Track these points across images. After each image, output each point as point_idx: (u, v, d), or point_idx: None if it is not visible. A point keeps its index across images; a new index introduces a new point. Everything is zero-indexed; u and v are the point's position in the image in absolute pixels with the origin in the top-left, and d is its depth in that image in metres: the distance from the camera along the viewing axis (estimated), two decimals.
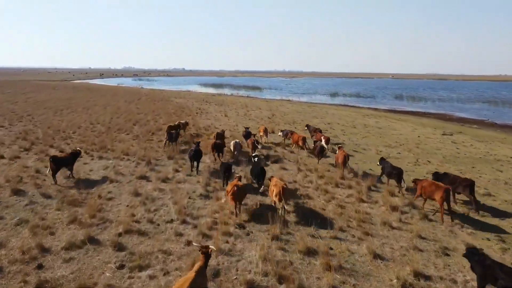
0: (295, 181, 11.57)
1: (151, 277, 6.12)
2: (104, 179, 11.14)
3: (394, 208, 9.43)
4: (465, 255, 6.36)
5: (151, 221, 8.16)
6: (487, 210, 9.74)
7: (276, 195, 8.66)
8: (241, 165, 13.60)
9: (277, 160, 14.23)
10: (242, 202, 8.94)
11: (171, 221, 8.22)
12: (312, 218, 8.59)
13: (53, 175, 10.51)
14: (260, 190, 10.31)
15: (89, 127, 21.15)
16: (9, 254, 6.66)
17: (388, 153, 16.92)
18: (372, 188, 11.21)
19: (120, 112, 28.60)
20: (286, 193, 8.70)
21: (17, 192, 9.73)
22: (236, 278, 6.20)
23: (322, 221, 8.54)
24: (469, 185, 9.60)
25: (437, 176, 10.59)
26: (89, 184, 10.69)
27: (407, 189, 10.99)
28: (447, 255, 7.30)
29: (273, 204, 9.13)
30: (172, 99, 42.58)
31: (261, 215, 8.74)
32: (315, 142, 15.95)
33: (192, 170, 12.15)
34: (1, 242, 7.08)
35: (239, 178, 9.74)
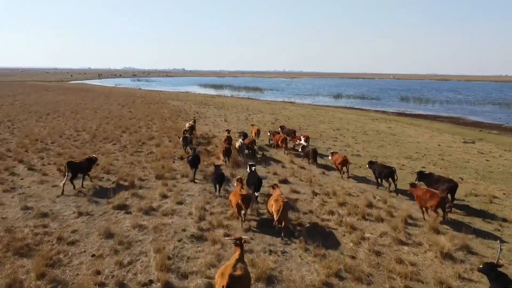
0: (311, 211, 9.29)
1: None
2: (73, 210, 8.87)
3: (446, 255, 7.17)
4: (481, 270, 5.76)
5: (120, 285, 5.88)
6: None
7: (275, 212, 7.76)
8: (241, 167, 12.58)
9: (286, 180, 11.95)
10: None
11: (149, 283, 5.94)
12: (340, 275, 6.33)
13: (71, 181, 10.27)
14: (256, 194, 9.65)
15: (73, 135, 18.87)
16: None
17: (412, 168, 14.65)
18: (409, 220, 8.94)
19: (111, 117, 26.34)
20: (288, 211, 8.00)
21: None
22: None
23: (354, 280, 6.28)
24: (452, 187, 9.66)
25: (421, 175, 10.67)
26: (51, 217, 8.42)
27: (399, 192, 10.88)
28: None
29: (272, 217, 8.05)
30: (168, 102, 40.30)
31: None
32: (303, 147, 15.54)
33: (193, 178, 11.77)
34: None
35: (241, 182, 9.18)
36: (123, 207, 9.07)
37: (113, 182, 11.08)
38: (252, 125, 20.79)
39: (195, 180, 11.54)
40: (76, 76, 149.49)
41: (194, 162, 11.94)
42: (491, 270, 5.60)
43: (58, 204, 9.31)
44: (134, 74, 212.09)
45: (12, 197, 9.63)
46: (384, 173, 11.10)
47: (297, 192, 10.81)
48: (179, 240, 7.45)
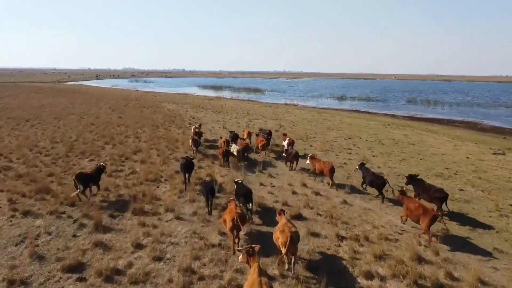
0: (339, 272, 6.66)
1: None
2: (1, 276, 6.21)
3: None
4: None
5: None
6: None
7: (282, 245, 6.52)
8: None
9: (300, 215, 9.31)
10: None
11: None
12: None
13: (83, 192, 9.79)
14: (250, 207, 8.80)
15: (46, 148, 16.23)
16: None
17: (451, 192, 12.03)
18: (480, 286, 6.34)
19: (96, 124, 23.71)
20: (297, 243, 6.63)
21: None
22: None
23: None
24: (443, 197, 9.39)
25: (411, 179, 10.37)
26: None
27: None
28: None
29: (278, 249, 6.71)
30: (163, 105, 37.66)
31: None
32: (285, 150, 14.87)
33: (185, 186, 11.14)
34: None
35: (235, 202, 8.15)
36: (76, 269, 6.43)
37: (74, 222, 8.45)
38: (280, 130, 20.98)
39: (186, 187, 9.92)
40: (73, 77, 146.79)
41: (187, 167, 11.38)
42: None
43: None
44: (133, 74, 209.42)
45: None
46: (375, 183, 10.74)
47: (317, 235, 8.19)
48: None
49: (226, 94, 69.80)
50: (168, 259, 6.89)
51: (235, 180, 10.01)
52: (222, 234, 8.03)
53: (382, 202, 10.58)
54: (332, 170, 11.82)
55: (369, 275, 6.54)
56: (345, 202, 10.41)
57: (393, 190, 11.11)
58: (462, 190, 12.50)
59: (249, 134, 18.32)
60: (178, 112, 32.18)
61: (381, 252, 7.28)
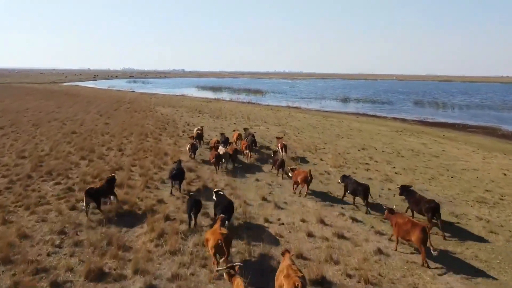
0: None
1: None
2: None
3: None
4: None
5: None
6: None
7: None
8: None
9: (322, 279, 6.65)
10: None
11: None
12: None
13: (98, 207, 9.23)
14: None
15: (6, 166, 13.55)
16: None
17: (504, 228, 9.45)
18: None
19: (78, 132, 21.10)
20: None
21: None
22: None
23: None
24: (433, 208, 8.95)
25: (403, 189, 10.15)
26: None
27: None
28: None
29: None
30: (157, 109, 35.03)
31: None
32: (274, 153, 15.14)
33: (172, 193, 11.00)
34: None
35: (222, 221, 7.48)
36: None
37: (13, 274, 5.85)
38: (245, 128, 20.85)
39: (153, 285, 6.46)
40: (70, 78, 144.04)
41: (177, 176, 11.12)
42: None
43: None
44: (131, 75, 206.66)
45: None
46: (358, 190, 10.40)
47: None
48: None
49: (225, 95, 67.24)
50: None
51: (216, 190, 9.42)
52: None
53: (366, 212, 10.17)
54: (306, 179, 11.07)
55: None
56: (379, 251, 7.79)
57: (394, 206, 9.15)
58: None
59: (239, 137, 18.38)
60: (172, 117, 29.56)
61: None
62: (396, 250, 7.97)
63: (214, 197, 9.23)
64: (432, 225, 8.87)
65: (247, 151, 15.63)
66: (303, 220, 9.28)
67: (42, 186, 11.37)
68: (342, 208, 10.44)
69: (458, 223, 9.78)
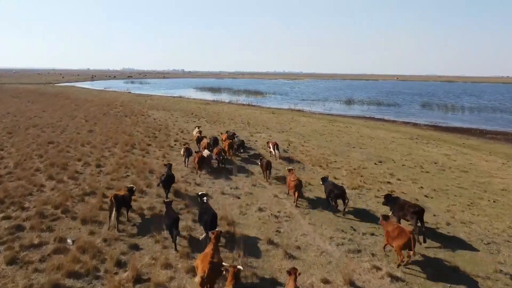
0: None
1: None
2: None
3: None
4: None
5: None
6: None
7: None
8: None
9: None
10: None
11: None
12: None
13: (117, 217, 8.77)
14: (200, 238, 8.14)
15: None
16: None
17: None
18: None
19: (56, 142, 18.59)
20: None
21: None
22: None
23: None
24: (417, 212, 8.90)
25: (388, 199, 9.89)
26: None
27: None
28: None
29: None
30: (150, 113, 32.51)
31: None
32: (261, 159, 13.92)
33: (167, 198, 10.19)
34: None
35: (215, 242, 6.68)
36: None
37: None
38: (227, 131, 20.67)
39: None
40: (68, 78, 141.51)
41: (167, 182, 10.98)
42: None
43: None
44: (129, 75, 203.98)
45: None
46: (334, 193, 10.30)
47: None
48: None
49: (225, 97, 64.74)
50: None
51: (200, 194, 9.36)
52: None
53: (344, 214, 10.25)
54: (298, 186, 10.74)
55: None
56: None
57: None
58: None
59: (232, 137, 18.00)
60: (166, 122, 27.04)
61: None
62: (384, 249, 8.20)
63: (199, 200, 9.21)
64: (417, 229, 8.86)
65: (227, 151, 15.84)
66: (325, 281, 6.77)
67: None
68: (373, 255, 7.96)
69: None
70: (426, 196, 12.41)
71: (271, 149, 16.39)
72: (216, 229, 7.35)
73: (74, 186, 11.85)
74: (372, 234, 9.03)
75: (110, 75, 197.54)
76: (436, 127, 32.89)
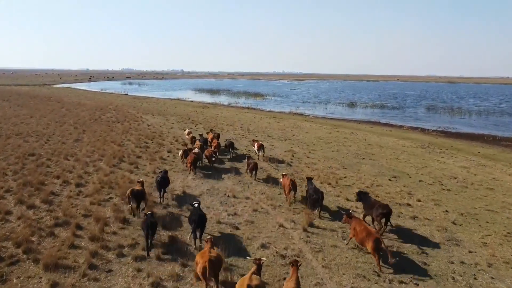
0: None
1: None
2: None
3: None
4: None
5: None
6: None
7: None
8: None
9: None
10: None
11: None
12: None
13: (136, 208, 10.08)
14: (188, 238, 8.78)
15: None
16: None
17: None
18: None
19: (37, 154, 16.88)
20: None
21: None
22: None
23: None
24: (385, 214, 9.39)
25: (360, 196, 10.61)
26: None
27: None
28: None
29: None
30: (145, 118, 30.81)
31: None
32: (248, 158, 14.93)
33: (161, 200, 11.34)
34: None
35: (211, 243, 7.36)
36: None
37: None
38: (211, 130, 22.33)
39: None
40: (65, 79, 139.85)
41: (162, 183, 11.38)
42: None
43: None
44: (128, 76, 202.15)
45: None
46: (312, 197, 10.87)
47: None
48: None
49: (224, 99, 63.04)
50: None
51: (193, 204, 9.48)
52: None
53: (320, 217, 10.62)
54: (293, 186, 11.48)
55: None
56: None
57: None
58: None
59: (217, 137, 18.55)
60: (160, 129, 25.35)
61: None
62: (347, 244, 8.82)
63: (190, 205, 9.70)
64: (385, 228, 9.52)
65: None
66: None
67: None
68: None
69: None
70: (453, 223, 10.72)
71: (256, 150, 17.09)
72: (208, 237, 7.72)
73: (46, 214, 10.16)
74: (402, 282, 7.36)
75: (109, 76, 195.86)
76: (446, 133, 31.23)
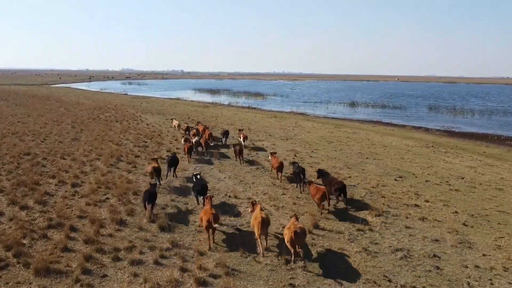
0: None
1: None
2: None
3: None
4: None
5: None
6: None
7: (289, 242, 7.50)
8: None
9: None
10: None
11: None
12: None
13: (159, 180, 12.09)
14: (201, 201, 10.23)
15: None
16: None
17: None
18: None
19: (33, 154, 16.45)
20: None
21: None
22: None
23: None
24: (339, 188, 10.81)
25: (320, 173, 12.30)
26: None
27: None
28: None
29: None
30: (144, 117, 30.39)
31: None
32: (235, 145, 16.43)
33: (166, 176, 12.91)
34: None
35: (210, 200, 8.99)
36: None
37: None
38: (198, 122, 24.30)
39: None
40: (64, 79, 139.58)
41: (172, 163, 13.11)
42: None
43: None
44: (127, 76, 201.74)
45: None
46: (295, 173, 12.58)
47: None
48: None
49: (224, 99, 62.67)
50: None
51: (194, 174, 11.28)
52: None
53: (301, 192, 12.32)
54: (280, 167, 13.31)
55: None
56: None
57: None
58: None
59: (210, 135, 19.30)
60: (159, 129, 24.93)
61: None
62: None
63: (193, 179, 11.05)
64: (340, 201, 11.17)
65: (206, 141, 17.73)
66: None
67: None
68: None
69: None
70: (464, 224, 10.28)
71: (241, 140, 18.75)
72: (208, 195, 9.11)
73: (39, 215, 9.72)
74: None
75: (108, 76, 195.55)
76: (450, 133, 30.82)
